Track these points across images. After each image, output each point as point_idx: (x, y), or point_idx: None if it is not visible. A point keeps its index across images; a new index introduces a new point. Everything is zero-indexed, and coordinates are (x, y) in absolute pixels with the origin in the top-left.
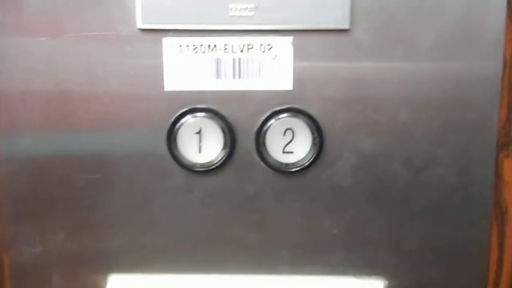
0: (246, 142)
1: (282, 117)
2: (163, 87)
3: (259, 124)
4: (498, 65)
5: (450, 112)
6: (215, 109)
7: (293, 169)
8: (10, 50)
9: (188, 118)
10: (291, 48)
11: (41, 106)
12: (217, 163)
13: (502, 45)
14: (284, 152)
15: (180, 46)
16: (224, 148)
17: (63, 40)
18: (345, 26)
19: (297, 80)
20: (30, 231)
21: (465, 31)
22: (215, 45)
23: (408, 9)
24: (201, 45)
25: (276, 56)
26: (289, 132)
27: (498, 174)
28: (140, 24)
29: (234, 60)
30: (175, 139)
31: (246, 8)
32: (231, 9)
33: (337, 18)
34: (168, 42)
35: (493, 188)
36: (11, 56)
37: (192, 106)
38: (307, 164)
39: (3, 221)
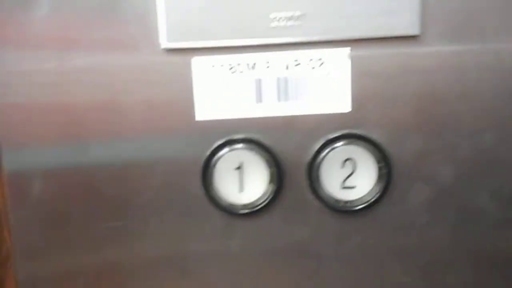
0: (296, 177)
1: (339, 146)
2: (194, 116)
3: (311, 154)
4: None
5: None
6: (258, 139)
7: (356, 207)
8: (16, 64)
9: (225, 151)
10: (349, 62)
11: (54, 140)
12: (262, 203)
13: None
14: (343, 187)
15: (213, 66)
16: (270, 185)
17: (74, 62)
18: (415, 31)
19: (356, 99)
20: (42, 274)
21: None
22: (254, 63)
23: (491, 4)
24: (238, 64)
25: (329, 72)
26: (349, 163)
27: None
28: (165, 43)
29: (278, 79)
30: (211, 176)
31: (291, 17)
32: (272, 19)
33: (404, 22)
34: (198, 62)
35: None
36: (17, 71)
37: (229, 137)
38: (372, 200)
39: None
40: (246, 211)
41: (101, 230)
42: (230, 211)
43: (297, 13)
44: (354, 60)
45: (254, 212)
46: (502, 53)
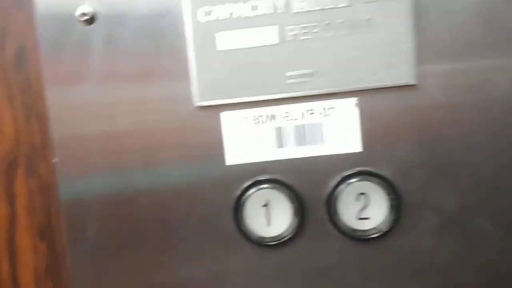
0: (317, 211)
1: (353, 181)
2: (224, 161)
3: (329, 190)
4: None
5: None
6: (281, 179)
7: (371, 236)
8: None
9: (253, 191)
10: (357, 110)
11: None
12: (287, 235)
13: None
14: (359, 218)
15: (239, 118)
16: (294, 219)
17: (119, 122)
18: (412, 81)
19: (366, 141)
20: None
21: None
22: (274, 114)
23: (479, 54)
24: (261, 116)
25: (340, 119)
26: (362, 196)
27: None
28: (199, 102)
29: (296, 127)
30: (242, 213)
31: (304, 74)
32: (288, 76)
33: (403, 73)
34: (226, 116)
35: None
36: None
37: (256, 179)
38: (386, 229)
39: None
40: (274, 242)
41: (148, 264)
42: (259, 243)
43: (309, 71)
44: (361, 108)
45: (281, 243)
46: (491, 99)
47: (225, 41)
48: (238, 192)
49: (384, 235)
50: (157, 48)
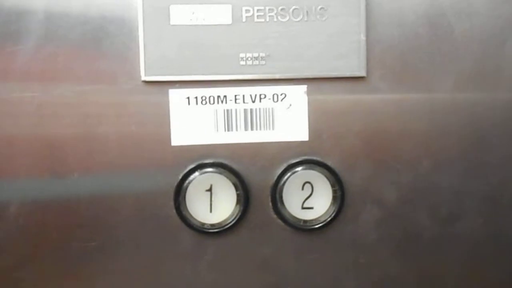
0: (261, 199)
1: (299, 170)
2: (170, 142)
3: (275, 178)
4: None
5: (473, 159)
6: (227, 163)
7: (314, 226)
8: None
9: (197, 174)
10: (305, 97)
11: (29, 166)
12: (230, 222)
13: None
14: (303, 208)
15: (188, 98)
16: (237, 205)
17: (56, 92)
18: (362, 73)
19: (313, 130)
20: None
21: (482, 75)
22: (225, 96)
23: (424, 54)
24: (210, 96)
25: (290, 105)
26: (307, 186)
27: None
28: (144, 76)
29: (245, 110)
30: (183, 197)
31: (258, 57)
32: (241, 58)
33: (353, 65)
34: (174, 94)
35: None
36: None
37: (201, 162)
38: (328, 220)
39: None
40: (215, 230)
41: (76, 251)
42: (200, 230)
43: (263, 54)
44: (310, 96)
45: (222, 231)
46: (434, 97)
47: (179, 15)
48: (181, 175)
49: (326, 226)
50: (104, 16)
